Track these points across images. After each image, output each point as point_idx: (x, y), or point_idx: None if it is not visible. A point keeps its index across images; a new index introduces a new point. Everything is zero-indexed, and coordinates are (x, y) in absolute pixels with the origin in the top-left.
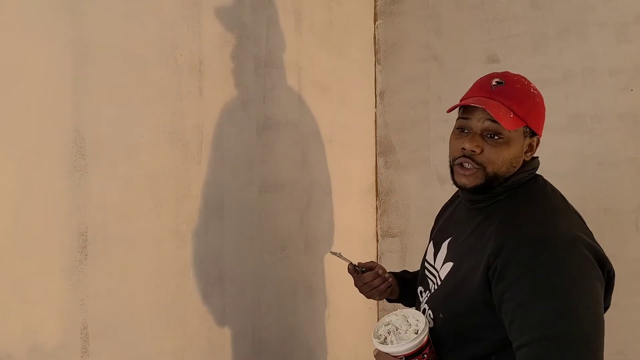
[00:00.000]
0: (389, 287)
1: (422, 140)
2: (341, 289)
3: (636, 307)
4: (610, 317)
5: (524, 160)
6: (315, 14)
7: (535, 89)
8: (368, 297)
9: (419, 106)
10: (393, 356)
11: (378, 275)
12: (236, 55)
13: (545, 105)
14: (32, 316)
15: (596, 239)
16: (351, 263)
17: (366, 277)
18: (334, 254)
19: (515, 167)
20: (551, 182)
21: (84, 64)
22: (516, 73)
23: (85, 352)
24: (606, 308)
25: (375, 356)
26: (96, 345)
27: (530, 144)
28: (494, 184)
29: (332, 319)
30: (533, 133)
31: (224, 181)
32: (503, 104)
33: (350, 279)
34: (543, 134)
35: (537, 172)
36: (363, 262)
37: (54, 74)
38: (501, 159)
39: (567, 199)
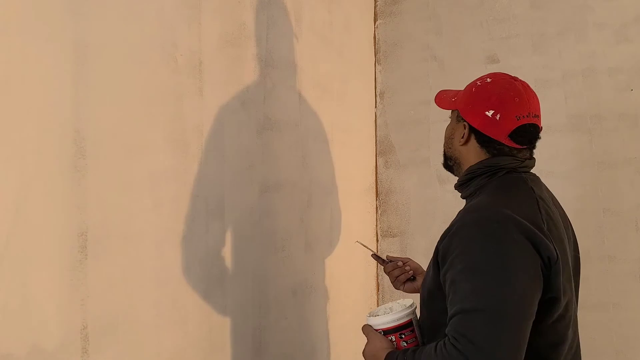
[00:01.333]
0: (409, 279)
1: (422, 140)
2: (341, 289)
3: (636, 307)
4: (610, 317)
5: (488, 156)
6: (315, 14)
7: (483, 81)
8: (393, 285)
9: (419, 106)
10: (374, 329)
11: (397, 267)
12: (236, 55)
13: (484, 96)
14: (32, 316)
15: (595, 239)
16: (374, 253)
17: (387, 267)
18: (361, 244)
19: (455, 148)
20: (553, 182)
21: (84, 64)
22: (505, 73)
23: (85, 352)
24: (556, 293)
25: (362, 329)
26: (96, 345)
27: (463, 131)
28: (449, 162)
29: (332, 319)
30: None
31: (224, 181)
32: (456, 94)
33: (350, 279)
34: (543, 134)
35: (534, 172)
36: (394, 255)
37: (54, 74)
38: (445, 136)
39: (561, 197)
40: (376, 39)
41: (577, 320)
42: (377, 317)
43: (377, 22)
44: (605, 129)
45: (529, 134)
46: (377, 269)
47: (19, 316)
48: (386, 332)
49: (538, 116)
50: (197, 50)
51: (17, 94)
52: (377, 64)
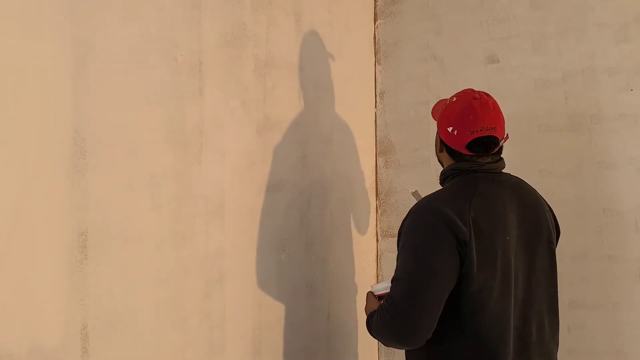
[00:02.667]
0: None
1: (422, 140)
2: (341, 289)
3: (636, 307)
4: (610, 317)
5: (454, 162)
6: (315, 14)
7: (450, 101)
8: None
9: (419, 106)
10: (373, 295)
11: None
12: (236, 55)
13: (447, 115)
14: (32, 316)
15: (595, 239)
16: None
17: None
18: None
19: (437, 155)
20: (553, 182)
21: (84, 64)
22: (470, 92)
23: (85, 352)
24: (469, 269)
25: (366, 293)
26: (96, 345)
27: (439, 142)
28: (440, 165)
29: (332, 319)
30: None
31: (224, 181)
32: (442, 107)
33: (350, 279)
34: (543, 134)
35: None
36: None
37: (54, 74)
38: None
39: (561, 197)
40: (376, 39)
41: (529, 305)
42: (374, 285)
43: (377, 22)
44: (605, 129)
45: (483, 144)
46: (377, 268)
47: (19, 316)
48: (380, 297)
49: (495, 128)
50: (197, 50)
51: (17, 94)
52: (377, 64)
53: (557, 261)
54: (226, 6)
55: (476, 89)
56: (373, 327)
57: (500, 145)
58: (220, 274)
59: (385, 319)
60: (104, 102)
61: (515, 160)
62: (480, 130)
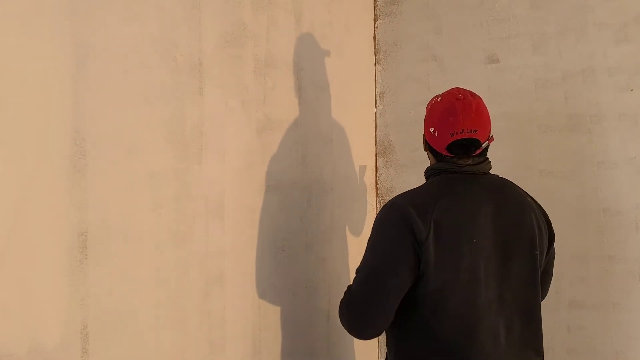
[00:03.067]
0: None
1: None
2: (341, 289)
3: (636, 307)
4: (610, 317)
5: (436, 161)
6: (315, 14)
7: (435, 100)
8: None
9: (419, 106)
10: None
11: None
12: (236, 55)
13: (431, 114)
14: (32, 316)
15: (595, 239)
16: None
17: None
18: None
19: (425, 152)
20: (553, 182)
21: (84, 64)
22: (456, 92)
23: (85, 352)
24: (425, 267)
25: None
26: (96, 345)
27: (424, 141)
28: None
29: (332, 319)
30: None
31: (224, 181)
32: None
33: (350, 279)
34: (543, 134)
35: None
36: None
37: (54, 74)
38: None
39: (561, 197)
40: (376, 39)
41: (499, 310)
42: None
43: (377, 22)
44: (605, 129)
45: (463, 146)
46: None
47: (19, 316)
48: None
49: (476, 130)
50: (197, 50)
51: (17, 94)
52: (377, 64)
53: (554, 262)
54: (226, 6)
55: (476, 89)
56: (339, 315)
57: (483, 147)
58: (220, 274)
59: (342, 309)
60: (104, 102)
61: (515, 160)
62: (460, 132)
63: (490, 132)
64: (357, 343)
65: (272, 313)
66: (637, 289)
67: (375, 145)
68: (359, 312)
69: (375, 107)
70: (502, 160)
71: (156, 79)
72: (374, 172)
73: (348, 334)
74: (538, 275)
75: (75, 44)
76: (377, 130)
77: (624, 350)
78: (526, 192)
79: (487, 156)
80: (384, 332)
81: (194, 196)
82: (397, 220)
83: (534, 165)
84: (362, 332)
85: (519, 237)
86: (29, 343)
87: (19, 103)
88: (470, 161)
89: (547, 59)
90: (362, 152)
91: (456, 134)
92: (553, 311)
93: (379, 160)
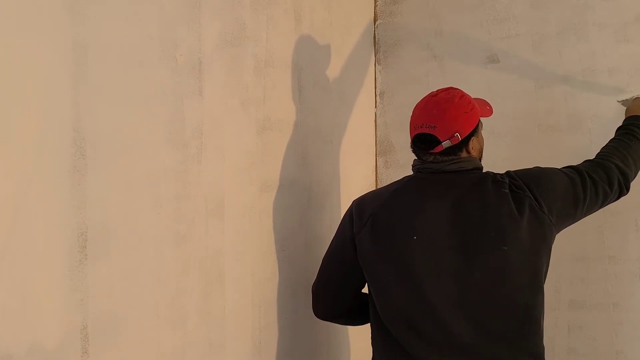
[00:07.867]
0: None
1: None
2: None
3: (636, 307)
4: (610, 317)
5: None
6: (315, 14)
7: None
8: None
9: None
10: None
11: None
12: (236, 55)
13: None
14: (32, 316)
15: (595, 239)
16: None
17: None
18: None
19: None
20: None
21: (84, 63)
22: (447, 88)
23: (85, 352)
24: (361, 261)
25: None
26: (96, 345)
27: None
28: None
29: None
30: None
31: (224, 181)
32: None
33: None
34: (543, 134)
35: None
36: None
37: (54, 74)
38: None
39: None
40: (376, 39)
41: (460, 306)
42: None
43: (377, 22)
44: (605, 129)
45: (421, 142)
46: None
47: (19, 316)
48: None
49: (434, 127)
50: (197, 50)
51: (17, 94)
52: (377, 64)
53: (596, 196)
54: (226, 6)
55: (476, 89)
56: None
57: (444, 146)
58: (220, 274)
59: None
60: (103, 102)
61: (516, 160)
62: (420, 127)
63: (456, 132)
64: (357, 343)
65: (272, 313)
66: (637, 289)
67: (375, 145)
68: (315, 297)
69: (375, 107)
70: (502, 160)
71: (156, 79)
72: (374, 172)
73: (348, 334)
74: (511, 272)
75: (75, 44)
76: (377, 130)
77: (624, 350)
78: (503, 191)
79: (464, 156)
80: None
81: (194, 196)
82: (346, 214)
83: (534, 165)
84: (318, 314)
85: (483, 235)
86: (29, 343)
87: (18, 103)
88: (431, 158)
89: (547, 59)
90: (362, 152)
91: (417, 128)
92: (553, 311)
93: (379, 160)
